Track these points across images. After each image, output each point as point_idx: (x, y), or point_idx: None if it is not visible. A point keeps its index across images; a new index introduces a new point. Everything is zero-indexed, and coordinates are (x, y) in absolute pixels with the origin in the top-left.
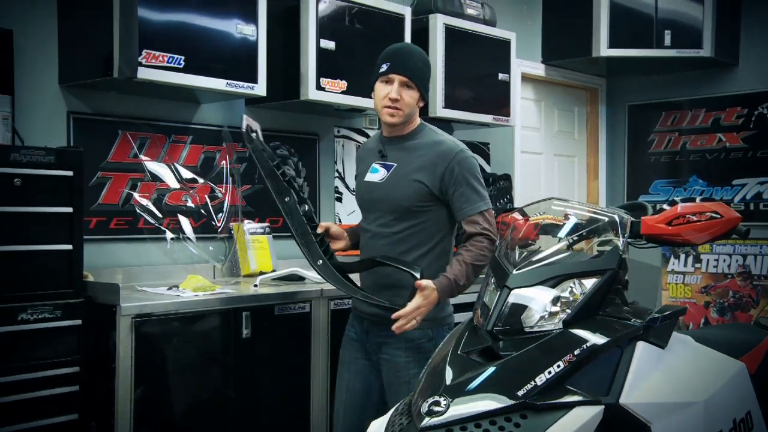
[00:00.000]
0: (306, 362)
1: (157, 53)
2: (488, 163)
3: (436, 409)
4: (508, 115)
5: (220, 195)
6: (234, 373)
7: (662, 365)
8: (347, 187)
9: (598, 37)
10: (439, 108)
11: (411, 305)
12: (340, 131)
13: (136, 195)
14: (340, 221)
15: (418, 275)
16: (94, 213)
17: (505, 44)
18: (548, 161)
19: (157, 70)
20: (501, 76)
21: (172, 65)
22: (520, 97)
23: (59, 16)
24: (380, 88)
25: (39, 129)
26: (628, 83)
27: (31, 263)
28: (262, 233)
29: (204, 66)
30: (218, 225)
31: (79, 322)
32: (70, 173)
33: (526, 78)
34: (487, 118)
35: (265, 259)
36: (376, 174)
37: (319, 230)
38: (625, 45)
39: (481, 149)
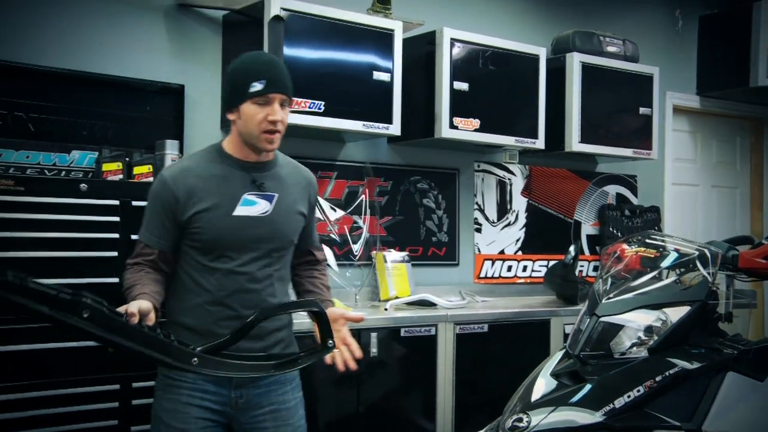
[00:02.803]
0: (432, 382)
1: (300, 100)
2: (635, 195)
3: (519, 425)
4: (650, 148)
5: (361, 226)
6: (363, 391)
7: (755, 398)
8: (486, 219)
9: (756, 67)
10: (575, 143)
11: (345, 335)
12: (479, 165)
13: None
14: (479, 251)
15: (322, 309)
16: None
17: (647, 79)
18: (705, 193)
19: (300, 115)
20: (642, 110)
21: (312, 110)
22: (672, 129)
23: (223, 73)
24: (254, 110)
25: None
26: None
27: None
28: (401, 261)
29: (342, 110)
30: (357, 254)
31: None
32: None
33: (679, 110)
34: (626, 152)
35: (403, 285)
36: (255, 206)
37: (134, 318)
38: None
39: (628, 182)
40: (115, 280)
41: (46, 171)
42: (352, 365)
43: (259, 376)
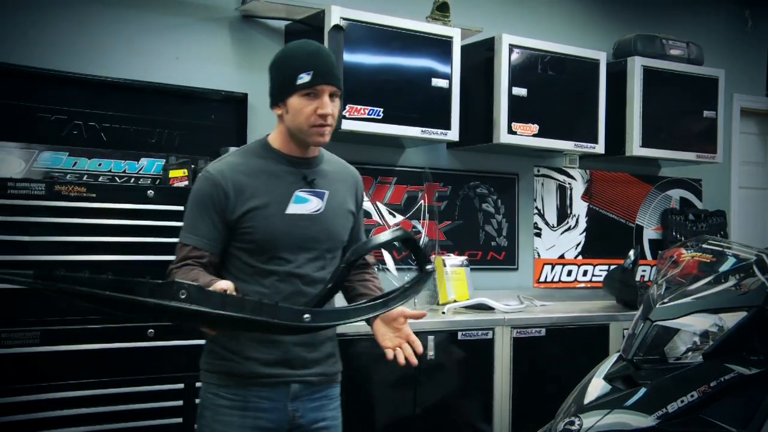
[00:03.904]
0: (489, 386)
1: (359, 107)
2: (700, 199)
3: (571, 428)
4: (714, 151)
5: (420, 230)
6: (420, 393)
7: None
8: (546, 223)
9: None
10: (636, 147)
11: (408, 332)
12: (539, 170)
13: None
14: (539, 255)
15: (410, 235)
16: None
17: (712, 81)
18: None
19: (359, 121)
20: (706, 113)
21: (372, 117)
22: (740, 132)
23: None
24: (302, 104)
25: None
26: None
27: None
28: (460, 266)
29: (401, 116)
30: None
31: None
32: None
33: (747, 112)
34: (689, 156)
35: (462, 289)
36: (307, 204)
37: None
38: None
39: (692, 185)
40: None
41: (116, 178)
42: (414, 361)
43: (308, 380)
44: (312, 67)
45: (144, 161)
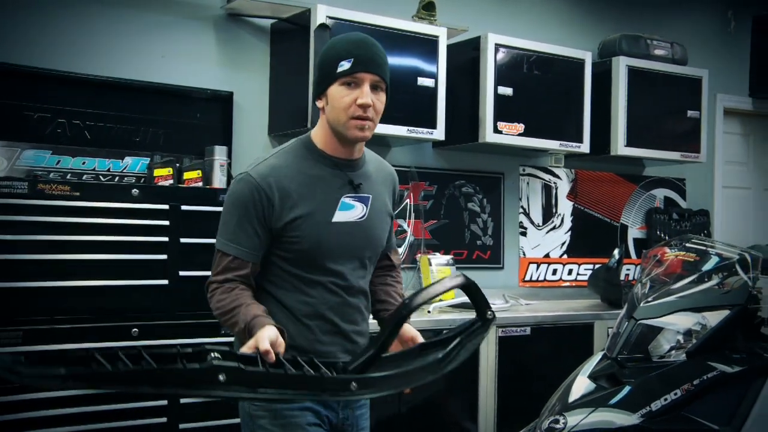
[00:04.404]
0: (474, 383)
1: None
2: (684, 198)
3: (556, 426)
4: (698, 151)
5: (406, 229)
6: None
7: None
8: (532, 222)
9: None
10: (620, 146)
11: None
12: (525, 169)
13: None
14: (524, 254)
15: (469, 280)
16: None
17: (696, 81)
18: (758, 196)
19: None
20: (690, 113)
21: None
22: (723, 132)
23: (270, 80)
24: (341, 93)
25: None
26: None
27: None
28: (446, 265)
29: (387, 115)
30: (402, 257)
31: None
32: None
33: (730, 112)
34: (673, 155)
35: None
36: (353, 211)
37: (270, 356)
38: None
39: (676, 185)
40: (164, 281)
41: (100, 177)
42: None
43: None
44: (353, 54)
45: (128, 160)
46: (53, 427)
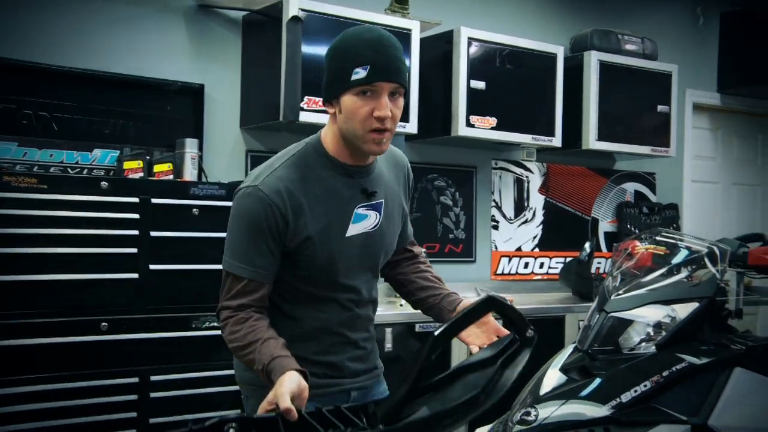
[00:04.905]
0: None
1: (318, 99)
2: (654, 192)
3: (527, 418)
4: (667, 146)
5: None
6: None
7: (762, 392)
8: (504, 216)
9: None
10: (592, 140)
11: None
12: (497, 163)
13: None
14: (496, 248)
15: (503, 300)
16: None
17: (666, 77)
18: (726, 190)
19: (318, 114)
20: (660, 108)
21: None
22: (692, 126)
23: (242, 73)
24: (356, 103)
25: (223, 166)
26: None
27: (205, 280)
28: None
29: None
30: None
31: None
32: None
33: (699, 107)
34: (644, 150)
35: None
36: (366, 221)
37: (292, 415)
38: None
39: (647, 179)
40: (134, 275)
41: (68, 169)
42: None
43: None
44: (370, 60)
45: (97, 152)
46: (20, 423)
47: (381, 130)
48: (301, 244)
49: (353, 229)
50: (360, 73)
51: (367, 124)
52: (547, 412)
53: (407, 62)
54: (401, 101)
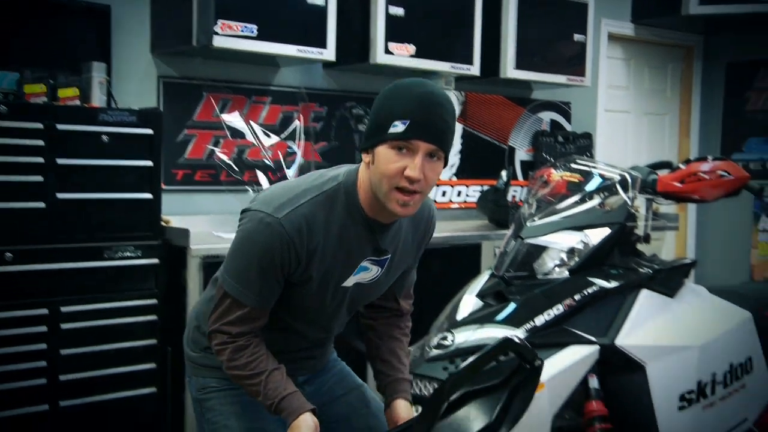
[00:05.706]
0: None
1: (232, 23)
2: (569, 122)
3: (444, 342)
4: (583, 75)
5: (295, 151)
6: None
7: (665, 312)
8: None
9: None
10: (510, 69)
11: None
12: None
13: (217, 151)
14: None
15: (517, 342)
16: (181, 166)
17: (582, 6)
18: (637, 120)
19: (232, 38)
20: (577, 37)
21: (245, 34)
22: (607, 56)
23: None
24: (389, 157)
25: (133, 92)
26: (727, 41)
27: (116, 209)
28: None
29: (276, 33)
30: (291, 179)
31: (156, 261)
32: (150, 131)
33: (613, 37)
34: (560, 79)
35: None
36: (366, 273)
37: None
38: (717, 1)
39: (562, 108)
40: (41, 204)
41: None
42: None
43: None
44: (411, 115)
45: None
46: None
47: (409, 192)
48: (300, 280)
49: (352, 280)
50: (398, 127)
51: (395, 181)
52: (464, 336)
53: (454, 125)
54: (439, 166)
